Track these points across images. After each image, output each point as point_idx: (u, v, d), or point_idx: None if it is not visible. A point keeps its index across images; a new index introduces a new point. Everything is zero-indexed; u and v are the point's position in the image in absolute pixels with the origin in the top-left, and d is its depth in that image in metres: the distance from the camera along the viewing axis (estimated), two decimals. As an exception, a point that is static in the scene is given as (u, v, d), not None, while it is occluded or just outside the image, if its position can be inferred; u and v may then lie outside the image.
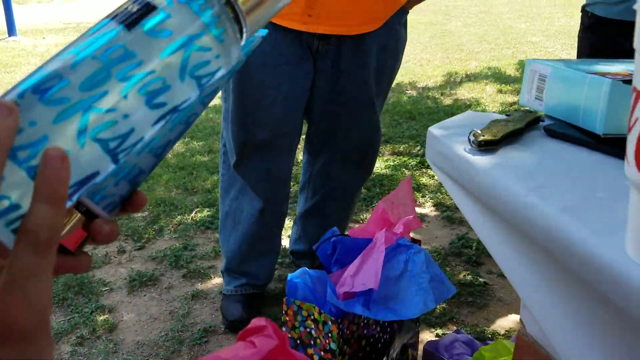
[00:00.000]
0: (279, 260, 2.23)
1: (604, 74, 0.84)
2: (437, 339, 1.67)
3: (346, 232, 2.12)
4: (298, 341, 1.26)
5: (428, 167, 3.09)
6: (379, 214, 1.41)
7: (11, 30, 7.09)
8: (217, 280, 2.14)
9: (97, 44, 0.36)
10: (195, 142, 3.67)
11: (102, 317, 1.97)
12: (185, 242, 2.42)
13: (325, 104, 1.78)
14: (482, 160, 0.81)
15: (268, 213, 1.89)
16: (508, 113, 0.94)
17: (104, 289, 2.14)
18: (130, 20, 0.37)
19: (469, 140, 0.83)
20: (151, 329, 1.91)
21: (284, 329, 1.27)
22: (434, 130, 0.93)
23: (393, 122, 3.89)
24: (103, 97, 0.35)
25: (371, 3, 1.63)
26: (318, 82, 1.74)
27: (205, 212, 2.67)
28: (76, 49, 0.36)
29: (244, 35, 0.41)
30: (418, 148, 3.39)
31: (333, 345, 1.20)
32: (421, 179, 2.96)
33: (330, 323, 1.19)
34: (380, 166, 3.12)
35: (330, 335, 1.19)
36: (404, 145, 3.44)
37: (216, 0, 0.39)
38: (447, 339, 1.52)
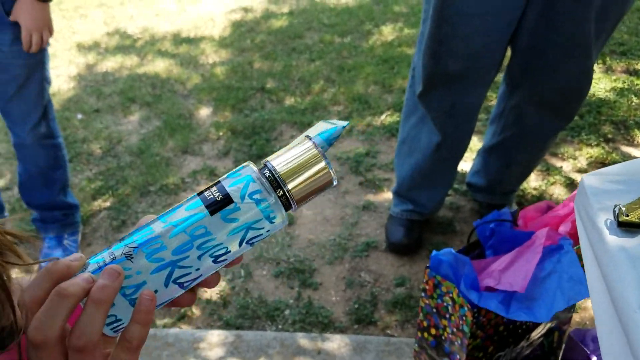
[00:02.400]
0: (455, 186, 2.27)
1: None
2: (585, 328, 1.64)
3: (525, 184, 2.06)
4: (434, 309, 1.35)
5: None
6: (561, 207, 1.35)
7: None
8: (389, 195, 2.27)
9: (189, 221, 0.52)
10: (407, 29, 3.63)
11: (285, 210, 2.25)
12: (370, 148, 2.56)
13: (533, 38, 1.66)
14: (617, 242, 0.76)
15: (445, 147, 1.89)
16: None
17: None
18: (213, 207, 0.52)
19: (613, 212, 0.78)
20: (322, 230, 2.14)
21: (422, 294, 1.37)
22: (588, 179, 0.87)
23: (639, 26, 3.38)
24: (186, 259, 0.53)
25: None
26: (529, 14, 1.61)
27: (395, 117, 2.74)
28: (175, 222, 0.53)
29: (293, 207, 0.54)
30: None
31: (465, 329, 1.28)
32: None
33: (466, 309, 1.26)
34: (602, 87, 2.83)
35: (464, 318, 1.27)
36: (642, 63, 3.02)
37: (273, 195, 0.50)
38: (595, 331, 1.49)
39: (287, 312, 1.82)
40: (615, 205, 0.78)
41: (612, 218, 0.78)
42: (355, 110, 2.85)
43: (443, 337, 1.36)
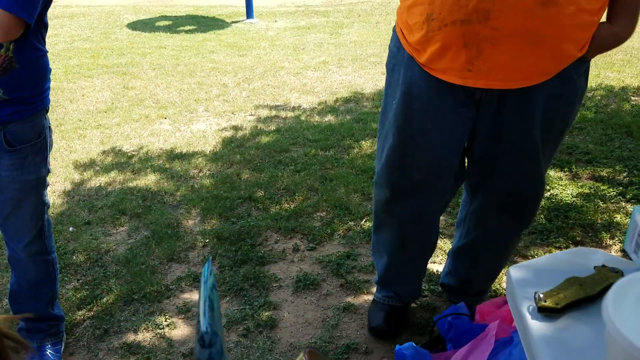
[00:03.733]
0: (432, 287, 2.32)
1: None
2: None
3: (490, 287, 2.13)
4: None
5: (630, 200, 2.85)
6: None
7: (249, 12, 7.90)
8: (368, 297, 2.31)
9: None
10: (385, 143, 3.82)
11: (267, 313, 2.28)
12: (350, 251, 2.63)
13: (485, 149, 1.80)
14: (536, 325, 0.83)
15: (411, 249, 2.02)
16: (596, 266, 0.92)
17: (274, 285, 2.46)
18: None
19: (534, 298, 0.86)
20: (304, 333, 2.16)
21: None
22: (514, 271, 0.96)
23: (603, 138, 3.60)
24: None
25: (535, 59, 1.56)
26: (479, 127, 1.76)
27: (376, 222, 2.83)
28: None
29: None
30: (625, 174, 3.11)
31: None
32: (616, 215, 2.74)
33: None
34: (569, 192, 2.96)
35: None
36: (607, 170, 3.18)
37: None
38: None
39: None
40: (535, 293, 0.87)
41: (534, 304, 0.86)
42: (336, 216, 2.95)
43: None
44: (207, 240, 2.87)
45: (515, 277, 0.94)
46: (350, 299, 2.32)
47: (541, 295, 0.85)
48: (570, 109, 1.74)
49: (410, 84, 1.74)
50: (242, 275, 2.53)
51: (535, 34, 1.50)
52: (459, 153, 1.85)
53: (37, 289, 2.08)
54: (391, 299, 2.14)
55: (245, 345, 2.14)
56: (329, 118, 4.50)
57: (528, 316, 0.84)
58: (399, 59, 1.77)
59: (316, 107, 4.81)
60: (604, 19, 1.62)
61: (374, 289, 2.36)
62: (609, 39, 1.61)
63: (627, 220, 2.67)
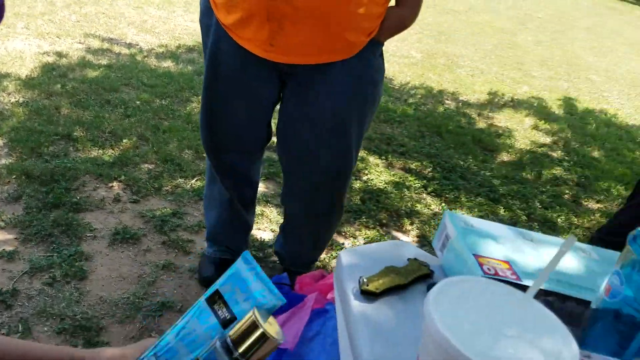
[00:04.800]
0: (266, 256, 2.35)
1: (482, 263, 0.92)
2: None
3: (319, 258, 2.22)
4: None
5: (431, 193, 3.13)
6: (331, 276, 1.48)
7: None
8: (190, 258, 2.27)
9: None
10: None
11: (77, 263, 2.12)
12: (177, 209, 2.55)
13: (293, 127, 1.81)
14: (358, 306, 0.92)
15: (235, 203, 2.08)
16: (409, 258, 1.02)
17: (88, 235, 2.29)
18: None
19: (358, 282, 0.94)
20: (116, 288, 2.05)
21: None
22: (344, 256, 1.02)
23: (417, 134, 3.89)
24: None
25: (328, 40, 1.62)
26: (286, 104, 1.79)
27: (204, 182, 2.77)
28: None
29: None
30: (430, 169, 3.40)
31: None
32: (417, 205, 3.00)
33: None
34: (383, 179, 3.17)
35: None
36: (416, 163, 3.46)
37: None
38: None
39: (65, 372, 1.68)
40: (360, 277, 0.94)
41: (358, 287, 0.94)
42: (166, 171, 2.83)
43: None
44: (13, 177, 2.57)
45: (345, 261, 1.02)
46: (170, 257, 2.25)
47: (365, 280, 0.94)
48: (374, 89, 1.80)
49: (217, 49, 1.74)
50: (52, 220, 2.32)
51: (327, 18, 1.56)
52: (264, 125, 1.89)
53: None
54: (222, 252, 2.15)
55: (50, 294, 1.97)
56: (169, 64, 4.28)
57: (352, 297, 0.94)
58: (211, 19, 1.73)
59: (155, 49, 4.55)
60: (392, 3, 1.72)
61: (197, 249, 2.32)
62: (397, 22, 1.71)
63: (425, 210, 2.95)
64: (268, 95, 1.79)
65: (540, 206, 3.21)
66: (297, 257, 2.18)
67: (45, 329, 1.83)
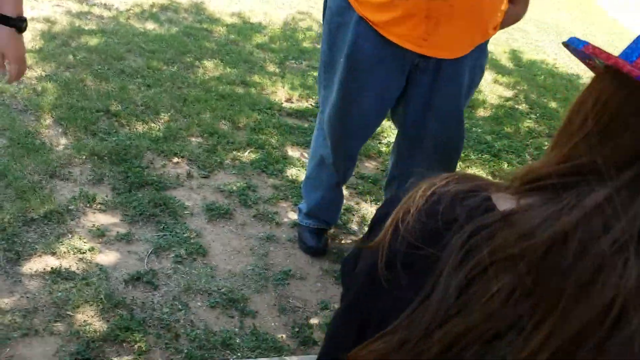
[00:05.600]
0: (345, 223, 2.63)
1: None
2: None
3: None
4: None
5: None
6: None
7: None
8: (283, 228, 2.51)
9: None
10: (228, 68, 3.85)
11: (193, 241, 2.30)
12: (247, 182, 2.74)
13: (418, 114, 2.07)
14: None
15: (340, 185, 2.36)
16: None
17: (186, 212, 2.46)
18: None
19: None
20: (237, 262, 2.27)
21: None
22: None
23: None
24: None
25: (472, 34, 1.90)
26: (412, 93, 2.02)
27: (258, 154, 2.97)
28: None
29: None
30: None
31: None
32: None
33: None
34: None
35: None
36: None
37: None
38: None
39: (238, 340, 1.93)
40: None
41: None
42: (218, 144, 2.98)
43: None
44: (84, 157, 2.63)
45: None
46: (266, 229, 2.47)
47: None
48: (481, 72, 2.12)
49: (356, 46, 1.94)
50: (147, 200, 2.45)
51: (478, 14, 1.85)
52: (386, 114, 2.17)
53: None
54: (320, 223, 2.40)
55: (185, 272, 2.15)
56: (153, 26, 4.25)
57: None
58: (346, 18, 1.94)
59: (132, 9, 4.46)
60: None
61: (283, 220, 2.56)
62: (512, 17, 2.01)
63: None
64: (398, 86, 2.00)
65: (531, 159, 3.73)
66: None
67: (199, 304, 2.04)
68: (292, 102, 3.64)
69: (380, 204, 2.67)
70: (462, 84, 2.03)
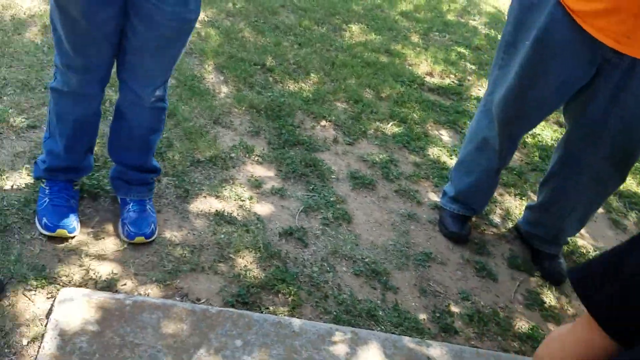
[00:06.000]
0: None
1: None
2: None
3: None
4: None
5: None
6: None
7: None
8: (423, 208, 2.54)
9: None
10: (373, 34, 3.87)
11: (339, 206, 2.39)
12: (389, 155, 2.79)
13: (601, 109, 1.99)
14: None
15: (500, 170, 2.33)
16: None
17: (332, 177, 2.54)
18: None
19: None
20: (379, 234, 2.34)
21: None
22: None
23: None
24: None
25: None
26: (600, 86, 1.95)
27: (401, 129, 3.00)
28: None
29: None
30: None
31: None
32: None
33: None
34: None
35: None
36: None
37: None
38: None
39: (381, 312, 2.01)
40: None
41: None
42: (362, 112, 3.04)
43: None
44: (243, 108, 2.76)
45: None
46: (407, 207, 2.52)
47: None
48: None
49: (547, 31, 1.88)
50: (299, 159, 2.55)
51: None
52: (562, 103, 2.09)
53: (148, 138, 1.92)
54: (465, 209, 2.40)
55: (332, 235, 2.25)
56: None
57: None
58: (542, 0, 1.88)
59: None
60: None
61: (424, 199, 2.59)
62: None
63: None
64: (584, 77, 1.94)
65: None
66: (559, 233, 2.38)
67: (344, 269, 2.13)
68: (433, 77, 3.62)
69: (525, 197, 2.66)
70: None
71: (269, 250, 2.08)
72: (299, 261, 2.09)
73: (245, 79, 2.96)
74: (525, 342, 2.09)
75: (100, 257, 1.87)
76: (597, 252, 2.61)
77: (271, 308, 1.89)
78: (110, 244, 1.93)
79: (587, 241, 2.69)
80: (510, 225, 2.60)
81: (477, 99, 3.54)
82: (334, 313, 1.94)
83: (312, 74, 3.22)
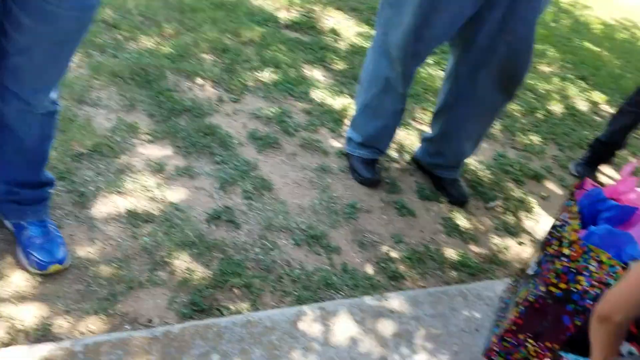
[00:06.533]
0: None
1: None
2: None
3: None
4: (573, 270, 1.54)
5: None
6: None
7: None
8: (331, 158, 2.42)
9: None
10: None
11: (253, 173, 2.17)
12: (279, 107, 2.59)
13: (490, 37, 2.03)
14: None
15: (404, 109, 2.30)
16: None
17: (233, 142, 2.29)
18: None
19: None
20: (302, 195, 2.18)
21: (562, 259, 1.59)
22: None
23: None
24: None
25: None
26: (488, 15, 1.99)
27: (278, 76, 2.80)
28: None
29: None
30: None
31: (612, 281, 1.53)
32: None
33: (618, 267, 1.49)
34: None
35: (613, 274, 1.53)
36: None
37: None
38: None
39: (335, 279, 1.89)
40: None
41: None
42: (233, 63, 2.76)
43: (574, 289, 1.65)
44: (104, 78, 2.34)
45: None
46: (316, 159, 2.38)
47: None
48: (548, 2, 2.11)
49: None
50: (195, 129, 2.24)
51: None
52: (453, 34, 2.09)
53: (41, 149, 1.52)
54: (375, 153, 2.36)
55: (259, 208, 2.04)
56: None
57: None
58: None
59: None
60: None
61: (328, 149, 2.46)
62: None
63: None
64: (473, 6, 1.96)
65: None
66: (460, 158, 2.45)
67: (284, 242, 1.95)
68: (281, 12, 3.43)
69: (410, 127, 2.65)
70: (539, 10, 2.02)
71: (204, 242, 1.82)
72: (239, 246, 1.87)
73: (91, 41, 2.49)
74: (461, 270, 2.13)
75: (16, 301, 1.47)
76: (481, 166, 2.74)
77: (232, 307, 1.67)
78: (19, 281, 1.52)
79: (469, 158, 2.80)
80: (407, 157, 2.60)
81: (333, 31, 3.44)
82: (295, 293, 1.78)
83: (164, 25, 2.83)
